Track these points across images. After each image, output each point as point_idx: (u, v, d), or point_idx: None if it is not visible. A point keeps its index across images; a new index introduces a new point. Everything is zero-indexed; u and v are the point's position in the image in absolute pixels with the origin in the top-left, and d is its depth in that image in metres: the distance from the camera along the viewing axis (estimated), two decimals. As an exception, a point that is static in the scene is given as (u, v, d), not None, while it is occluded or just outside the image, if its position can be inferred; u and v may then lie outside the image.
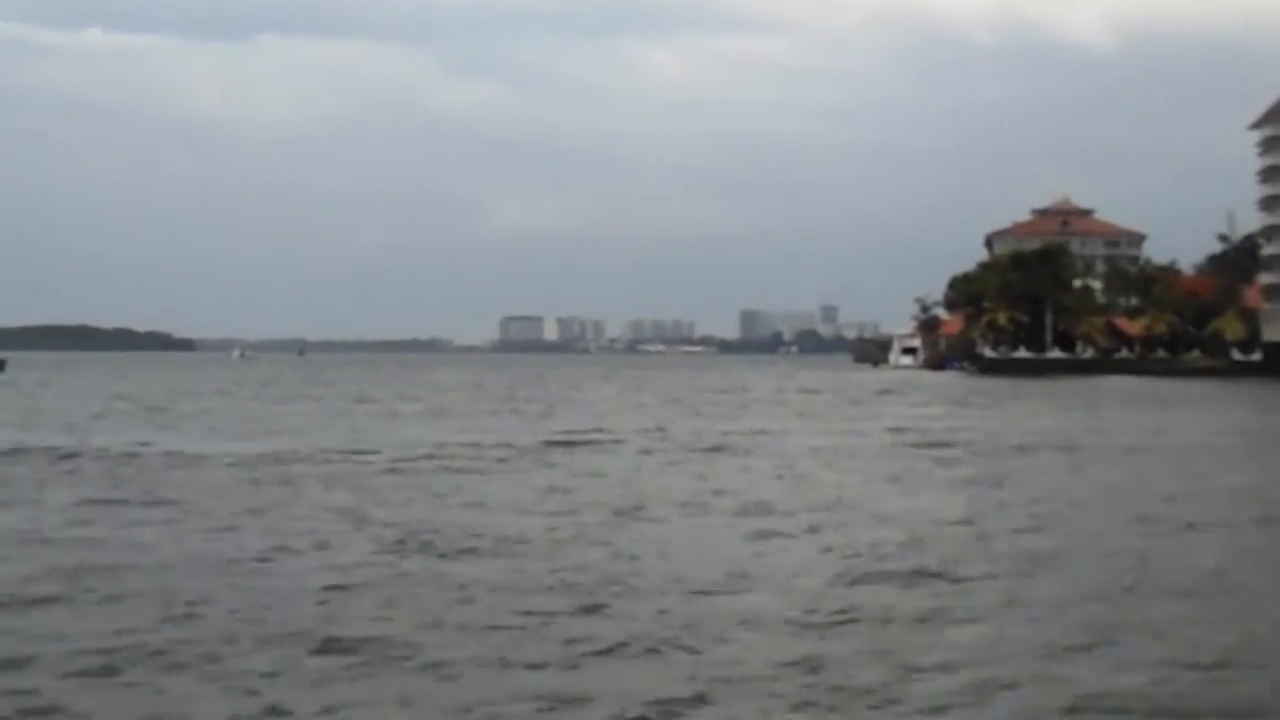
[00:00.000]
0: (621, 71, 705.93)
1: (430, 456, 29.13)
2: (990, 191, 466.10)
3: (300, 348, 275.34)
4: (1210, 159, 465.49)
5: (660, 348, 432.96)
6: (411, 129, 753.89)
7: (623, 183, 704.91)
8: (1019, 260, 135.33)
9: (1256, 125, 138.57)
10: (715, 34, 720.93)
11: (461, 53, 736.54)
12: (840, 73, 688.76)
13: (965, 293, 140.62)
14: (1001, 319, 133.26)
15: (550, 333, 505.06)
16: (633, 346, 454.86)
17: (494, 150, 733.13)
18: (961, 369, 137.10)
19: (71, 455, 28.87)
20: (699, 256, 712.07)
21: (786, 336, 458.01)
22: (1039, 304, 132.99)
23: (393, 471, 25.79)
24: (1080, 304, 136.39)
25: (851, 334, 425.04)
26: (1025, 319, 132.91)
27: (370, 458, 28.78)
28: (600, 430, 38.19)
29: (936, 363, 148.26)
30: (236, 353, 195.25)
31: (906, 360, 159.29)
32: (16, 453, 29.29)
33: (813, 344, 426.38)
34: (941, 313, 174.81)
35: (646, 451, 31.42)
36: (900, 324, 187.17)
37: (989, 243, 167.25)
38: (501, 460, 28.77)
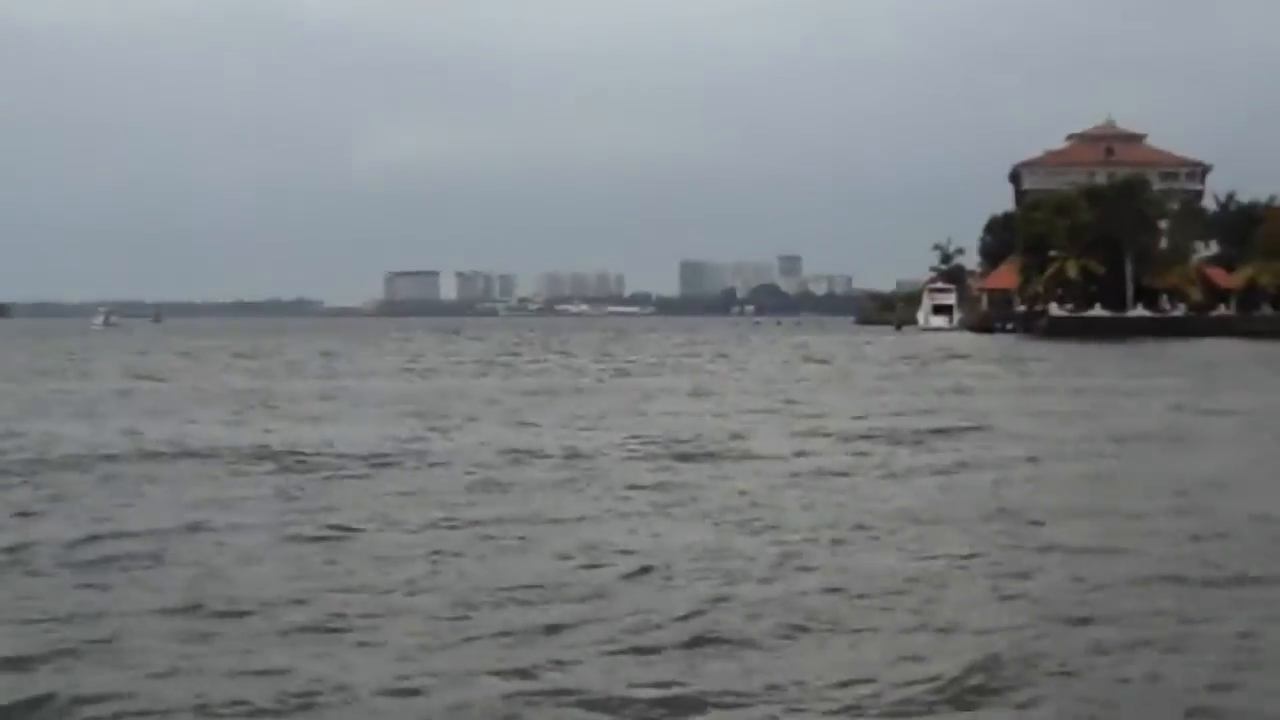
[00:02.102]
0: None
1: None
2: (989, 111, 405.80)
3: (155, 313, 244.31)
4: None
5: (583, 308, 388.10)
6: (273, 44, 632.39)
7: (531, 106, 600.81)
8: (1094, 196, 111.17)
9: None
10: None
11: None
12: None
13: (1026, 236, 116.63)
14: (1071, 270, 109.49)
15: (447, 290, 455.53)
16: (550, 306, 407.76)
17: (373, 69, 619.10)
18: (1009, 330, 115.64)
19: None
20: (629, 196, 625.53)
21: (740, 293, 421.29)
22: (1117, 251, 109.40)
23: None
24: (1171, 251, 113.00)
25: (820, 289, 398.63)
26: (1100, 270, 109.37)
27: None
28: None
29: (982, 324, 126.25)
30: (100, 318, 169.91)
31: (939, 321, 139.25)
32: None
33: (772, 302, 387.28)
34: (967, 263, 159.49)
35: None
36: (876, 277, 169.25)
37: (1015, 176, 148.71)
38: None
